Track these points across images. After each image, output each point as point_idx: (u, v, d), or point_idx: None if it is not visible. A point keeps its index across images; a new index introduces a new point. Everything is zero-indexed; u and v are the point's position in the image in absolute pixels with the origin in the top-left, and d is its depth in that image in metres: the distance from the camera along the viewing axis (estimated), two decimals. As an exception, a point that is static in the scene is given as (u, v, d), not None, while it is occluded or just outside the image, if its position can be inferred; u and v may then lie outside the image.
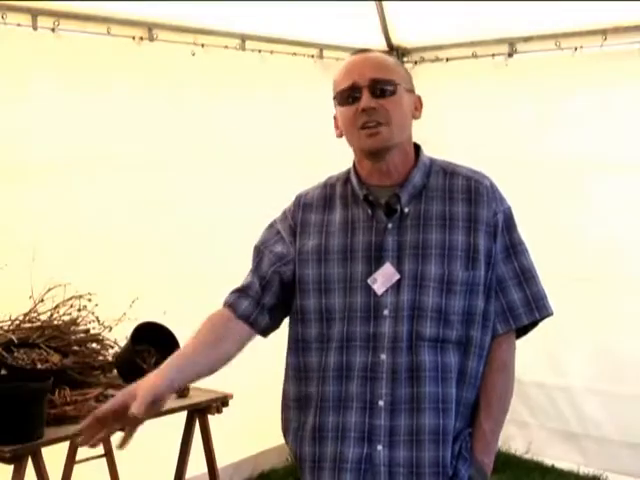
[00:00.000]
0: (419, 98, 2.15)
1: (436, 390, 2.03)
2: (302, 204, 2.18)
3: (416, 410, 2.02)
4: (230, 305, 2.13)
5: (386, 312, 2.04)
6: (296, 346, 2.15)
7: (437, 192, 2.09)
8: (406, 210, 2.07)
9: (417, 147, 2.16)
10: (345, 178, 2.17)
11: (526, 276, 2.11)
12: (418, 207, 2.08)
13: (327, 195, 2.17)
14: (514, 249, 2.11)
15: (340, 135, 2.12)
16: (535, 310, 2.11)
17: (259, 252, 2.18)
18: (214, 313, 2.15)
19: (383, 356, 2.03)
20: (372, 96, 2.03)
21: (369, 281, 2.05)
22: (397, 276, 2.04)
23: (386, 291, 2.04)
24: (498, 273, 2.08)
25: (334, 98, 2.10)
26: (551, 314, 2.13)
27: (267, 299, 2.13)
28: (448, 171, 2.13)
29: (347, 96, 2.05)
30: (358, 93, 2.04)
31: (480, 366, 2.09)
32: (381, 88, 2.04)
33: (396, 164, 2.09)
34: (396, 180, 2.09)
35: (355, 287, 2.06)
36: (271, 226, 2.21)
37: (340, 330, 2.06)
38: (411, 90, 2.13)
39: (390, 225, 2.07)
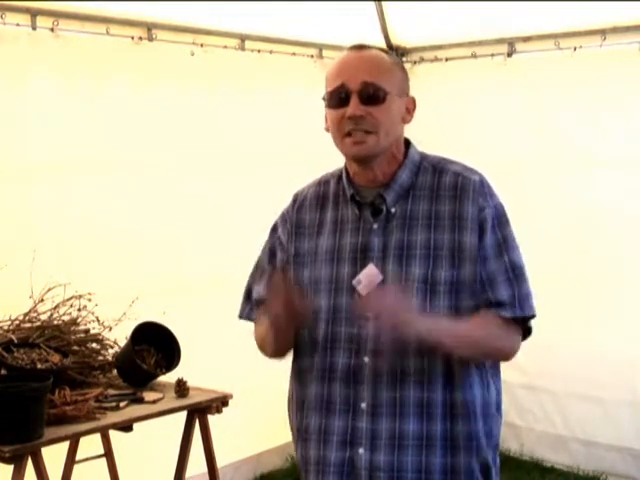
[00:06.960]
0: (413, 100, 2.08)
1: (420, 394, 1.99)
2: (298, 204, 2.17)
3: (399, 415, 1.99)
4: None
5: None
6: (294, 347, 2.15)
7: (425, 191, 2.05)
8: (393, 210, 2.04)
9: (407, 143, 2.10)
10: (339, 175, 2.14)
11: (516, 273, 2.03)
12: (405, 207, 2.04)
13: (321, 193, 2.15)
14: (506, 245, 2.03)
15: (328, 130, 2.07)
16: (518, 308, 2.01)
17: (271, 257, 2.17)
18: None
19: (366, 358, 2.00)
20: (361, 102, 1.97)
21: (354, 282, 2.02)
22: (380, 277, 2.01)
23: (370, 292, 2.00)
24: (489, 270, 2.01)
25: (323, 98, 2.05)
26: (534, 316, 2.06)
27: None
28: (438, 168, 2.07)
29: (335, 97, 2.00)
30: (347, 97, 1.98)
31: (472, 366, 2.03)
32: (371, 94, 1.97)
33: (383, 168, 2.06)
34: (382, 181, 2.06)
35: (341, 288, 2.04)
36: (274, 230, 2.21)
37: (325, 331, 2.04)
38: (405, 93, 2.06)
39: (375, 225, 2.05)
